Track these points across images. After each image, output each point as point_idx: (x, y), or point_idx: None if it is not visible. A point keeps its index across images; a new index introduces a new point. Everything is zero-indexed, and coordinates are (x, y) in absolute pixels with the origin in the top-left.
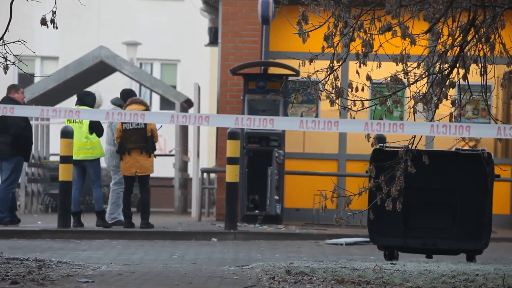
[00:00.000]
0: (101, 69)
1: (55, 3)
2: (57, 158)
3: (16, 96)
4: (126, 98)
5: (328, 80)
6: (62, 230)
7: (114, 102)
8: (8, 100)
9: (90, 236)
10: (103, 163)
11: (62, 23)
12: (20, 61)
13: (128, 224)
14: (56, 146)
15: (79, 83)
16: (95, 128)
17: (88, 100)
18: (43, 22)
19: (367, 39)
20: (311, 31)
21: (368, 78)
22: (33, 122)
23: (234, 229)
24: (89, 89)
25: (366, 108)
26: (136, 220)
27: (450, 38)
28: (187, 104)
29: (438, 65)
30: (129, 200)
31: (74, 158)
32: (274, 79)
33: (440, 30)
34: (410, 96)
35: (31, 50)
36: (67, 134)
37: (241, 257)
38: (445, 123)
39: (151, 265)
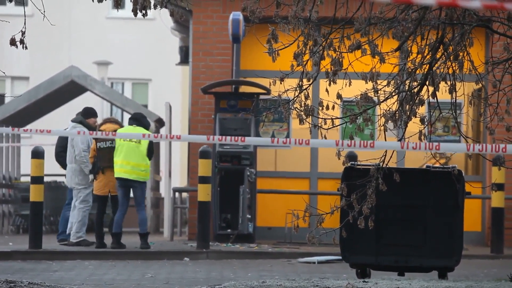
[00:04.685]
0: (72, 88)
1: (25, 23)
2: (28, 179)
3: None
4: (86, 114)
5: (297, 98)
6: (34, 251)
7: (74, 119)
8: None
9: (61, 257)
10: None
11: (32, 43)
12: None
13: (100, 244)
14: (27, 166)
15: (50, 103)
16: (152, 151)
17: (146, 122)
18: (13, 42)
19: (336, 57)
20: (281, 49)
21: (339, 96)
22: (3, 144)
23: (207, 248)
24: (60, 109)
25: (337, 126)
26: (108, 240)
27: (419, 56)
28: (158, 123)
29: (408, 83)
30: (101, 220)
31: (124, 177)
32: (245, 97)
33: (409, 48)
34: (380, 114)
35: (1, 70)
36: (38, 154)
37: (213, 276)
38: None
39: (123, 286)
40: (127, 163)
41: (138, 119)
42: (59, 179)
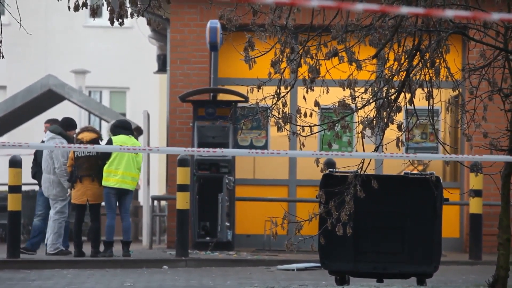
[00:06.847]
0: (49, 97)
1: (1, 32)
2: (6, 188)
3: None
4: (66, 126)
5: (275, 106)
6: (12, 260)
7: (53, 130)
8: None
9: (40, 266)
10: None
11: (9, 52)
12: None
13: (79, 253)
14: (4, 176)
15: (27, 112)
16: None
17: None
18: None
19: (314, 64)
20: (257, 57)
21: (316, 103)
22: None
23: (186, 256)
24: (38, 118)
25: (315, 133)
26: (86, 249)
27: (396, 63)
28: (137, 131)
29: (385, 90)
30: (80, 228)
31: (125, 188)
32: (223, 105)
33: (386, 55)
34: (358, 121)
35: None
36: (15, 163)
37: (192, 285)
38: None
39: None
40: (129, 174)
41: (130, 129)
42: (37, 188)
